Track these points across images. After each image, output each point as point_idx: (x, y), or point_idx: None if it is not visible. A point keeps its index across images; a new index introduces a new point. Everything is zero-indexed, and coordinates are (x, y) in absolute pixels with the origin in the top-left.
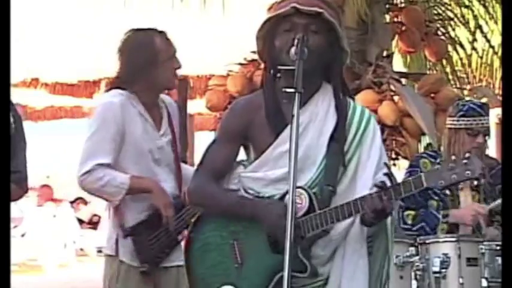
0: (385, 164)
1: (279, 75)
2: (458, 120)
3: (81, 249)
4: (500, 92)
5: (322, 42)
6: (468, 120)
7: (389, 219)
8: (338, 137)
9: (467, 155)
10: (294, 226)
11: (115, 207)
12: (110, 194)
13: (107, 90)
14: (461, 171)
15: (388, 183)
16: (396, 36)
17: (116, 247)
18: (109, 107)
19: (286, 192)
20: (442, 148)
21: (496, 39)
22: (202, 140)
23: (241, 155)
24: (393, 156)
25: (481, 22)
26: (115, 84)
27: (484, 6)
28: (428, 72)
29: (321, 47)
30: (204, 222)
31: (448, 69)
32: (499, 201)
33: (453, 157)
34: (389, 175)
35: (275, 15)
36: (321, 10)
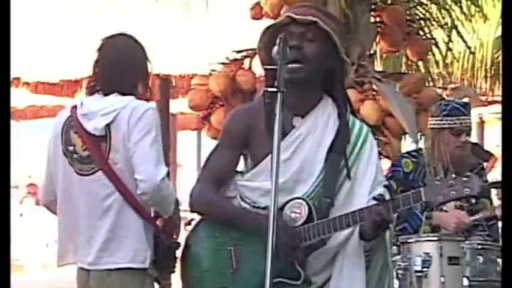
0: (384, 178)
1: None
2: (442, 120)
3: None
4: (482, 91)
5: (318, 51)
6: (452, 120)
7: (387, 233)
8: (338, 148)
9: (467, 173)
10: (292, 234)
11: (154, 219)
12: (170, 202)
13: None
14: (461, 188)
15: (387, 196)
16: (378, 36)
17: (149, 260)
18: (157, 113)
19: (285, 203)
20: (423, 149)
21: (474, 41)
22: (185, 139)
23: (241, 166)
24: None
25: (457, 23)
26: (124, 89)
27: (460, 7)
28: (412, 72)
29: (317, 56)
30: (203, 227)
31: (435, 70)
32: (482, 214)
33: (453, 175)
34: (389, 187)
35: (273, 25)
36: (315, 19)
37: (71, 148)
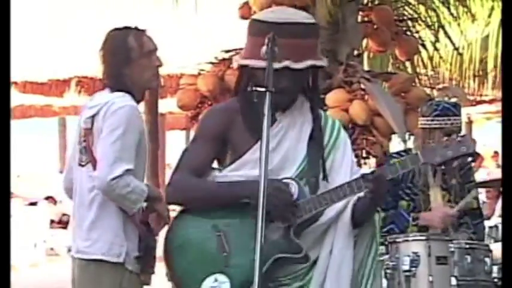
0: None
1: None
2: (433, 120)
3: (52, 249)
4: (470, 91)
5: (289, 84)
6: (443, 120)
7: (376, 216)
8: (316, 136)
9: (461, 133)
10: (285, 194)
11: (132, 215)
12: (133, 201)
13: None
14: (457, 148)
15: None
16: (367, 36)
17: (124, 255)
18: (134, 111)
19: None
20: (412, 148)
21: (461, 41)
22: (173, 139)
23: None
24: (364, 155)
25: (444, 23)
26: (104, 84)
27: (448, 8)
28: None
29: (289, 86)
30: (184, 219)
31: (421, 70)
32: (466, 200)
33: (445, 138)
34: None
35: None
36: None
37: (80, 139)
